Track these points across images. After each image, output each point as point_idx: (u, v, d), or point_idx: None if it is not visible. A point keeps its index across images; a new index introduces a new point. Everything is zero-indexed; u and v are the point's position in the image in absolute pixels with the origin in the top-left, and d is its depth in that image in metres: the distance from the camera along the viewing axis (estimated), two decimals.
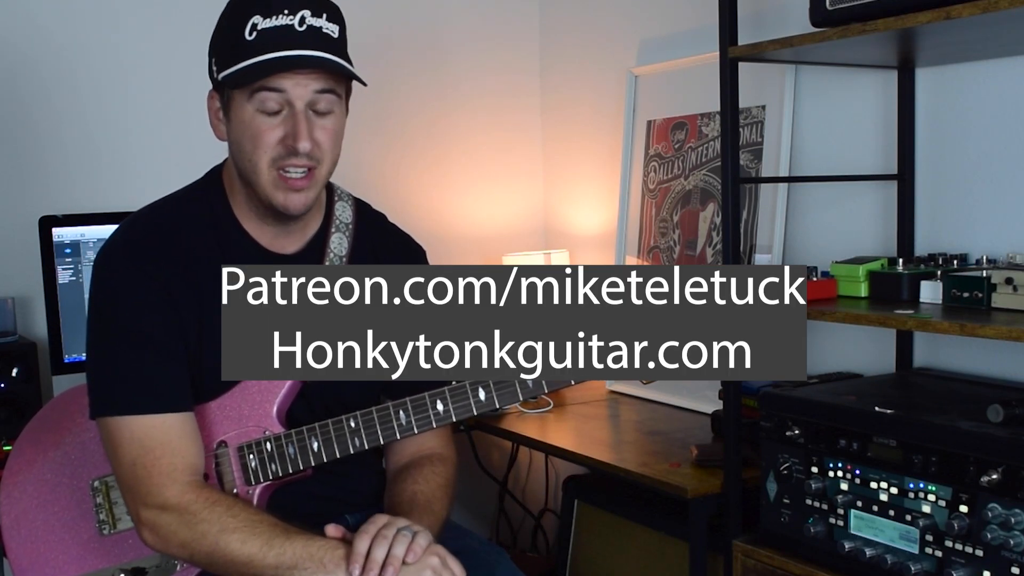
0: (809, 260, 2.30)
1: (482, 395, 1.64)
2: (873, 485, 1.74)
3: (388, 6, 3.14)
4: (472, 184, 3.29)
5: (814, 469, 1.84)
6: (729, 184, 2.02)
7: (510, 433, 2.60)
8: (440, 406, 1.64)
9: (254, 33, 1.59)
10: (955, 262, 1.99)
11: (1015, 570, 1.54)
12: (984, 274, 1.76)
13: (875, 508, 1.74)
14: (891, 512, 1.72)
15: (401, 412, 1.65)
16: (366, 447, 1.67)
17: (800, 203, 2.47)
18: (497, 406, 1.65)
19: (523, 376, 1.61)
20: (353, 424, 1.67)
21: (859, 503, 1.77)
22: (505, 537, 3.29)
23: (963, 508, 1.61)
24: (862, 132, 2.32)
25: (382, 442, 1.67)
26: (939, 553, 1.64)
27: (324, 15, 1.63)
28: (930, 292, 1.85)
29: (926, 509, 1.66)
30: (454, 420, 1.66)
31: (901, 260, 1.97)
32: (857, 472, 1.77)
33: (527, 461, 3.30)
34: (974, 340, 1.88)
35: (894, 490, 1.71)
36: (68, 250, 2.47)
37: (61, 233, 2.48)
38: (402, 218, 2.00)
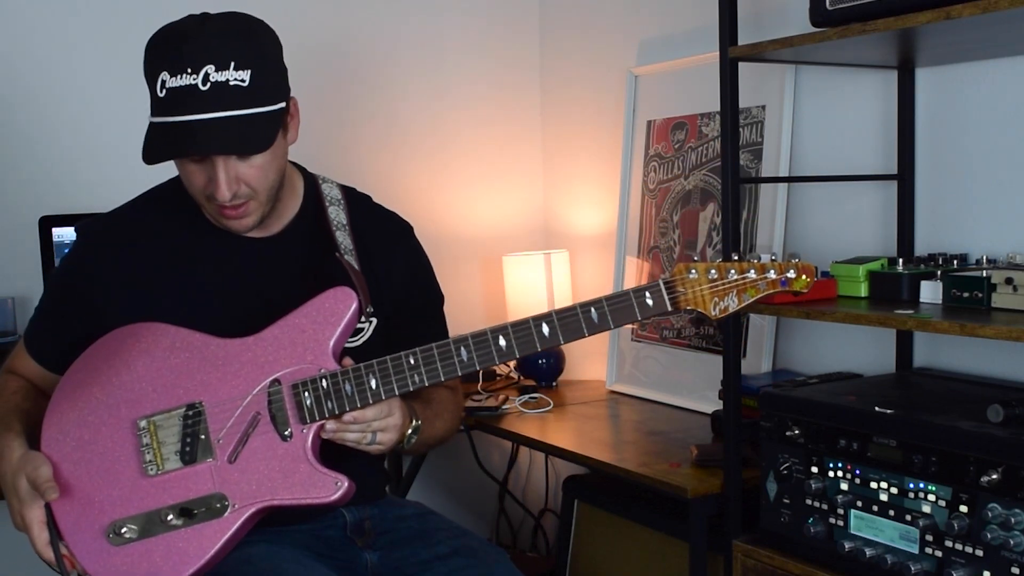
0: (809, 260, 2.29)
1: (546, 330, 1.63)
2: (873, 485, 1.74)
3: (388, 6, 3.14)
4: (472, 184, 3.29)
5: (814, 469, 1.84)
6: (729, 184, 2.02)
7: (510, 433, 2.60)
8: (503, 341, 1.63)
9: (164, 91, 1.60)
10: (955, 262, 1.99)
11: (1015, 570, 1.54)
12: (984, 274, 1.76)
13: (875, 508, 1.74)
14: (891, 512, 1.72)
15: (463, 348, 1.64)
16: (426, 383, 1.65)
17: (800, 203, 2.47)
18: (562, 341, 1.63)
19: (588, 310, 1.62)
20: (412, 361, 1.65)
21: (859, 503, 1.77)
22: (505, 537, 3.29)
23: (963, 508, 1.61)
24: (862, 132, 2.32)
25: (443, 378, 1.65)
26: (939, 553, 1.64)
27: (232, 64, 1.60)
28: (930, 292, 1.85)
29: (926, 509, 1.66)
30: (517, 356, 1.66)
31: (901, 260, 1.97)
32: (857, 472, 1.77)
33: (527, 461, 3.30)
34: (974, 340, 1.88)
35: (894, 490, 1.71)
36: (65, 254, 2.46)
37: (61, 233, 2.48)
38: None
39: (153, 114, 1.63)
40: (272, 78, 1.66)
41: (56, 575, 1.64)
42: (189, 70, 1.58)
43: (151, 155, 1.63)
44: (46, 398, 1.77)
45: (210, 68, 1.59)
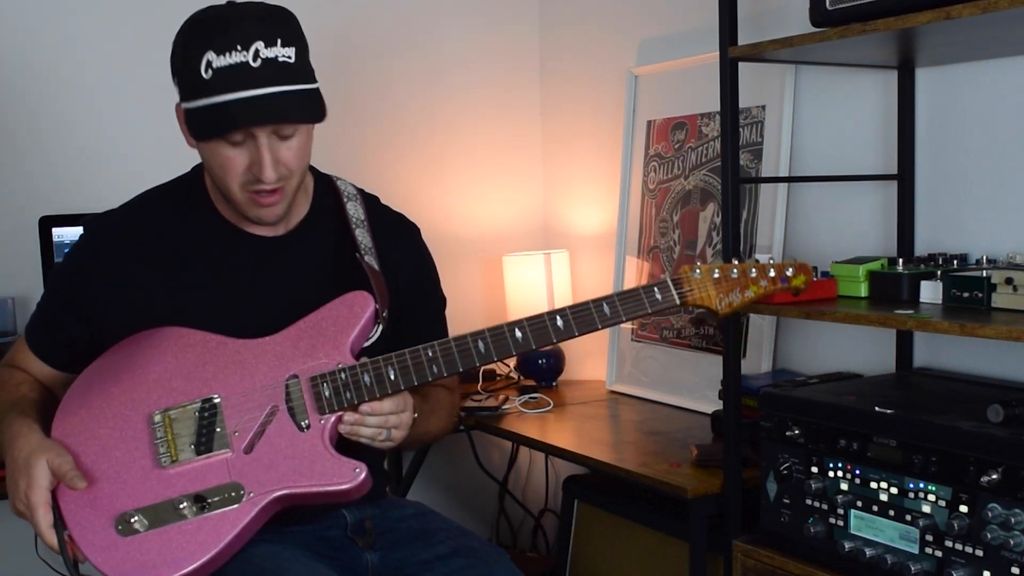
0: (809, 260, 2.28)
1: (560, 322, 1.66)
2: (873, 485, 1.74)
3: (388, 7, 3.14)
4: (472, 184, 3.29)
5: (814, 469, 1.84)
6: (729, 184, 2.02)
7: (510, 433, 2.61)
8: (519, 334, 1.67)
9: (209, 71, 1.59)
10: (955, 262, 1.99)
11: (1015, 570, 1.54)
12: (984, 274, 1.76)
13: (875, 508, 1.75)
14: (891, 512, 1.72)
15: (480, 342, 1.67)
16: (444, 375, 1.68)
17: (800, 203, 2.47)
18: (576, 333, 1.67)
19: (600, 304, 1.66)
20: (431, 353, 1.68)
21: (859, 503, 1.77)
22: (505, 537, 3.29)
23: (963, 508, 1.61)
24: (862, 132, 2.32)
25: (461, 369, 1.68)
26: (939, 553, 1.65)
27: (279, 41, 1.61)
28: (930, 292, 1.85)
29: (926, 509, 1.66)
30: (533, 348, 1.69)
31: (901, 260, 1.97)
32: (857, 472, 1.77)
33: (527, 461, 3.30)
34: (974, 340, 1.88)
35: (894, 490, 1.71)
36: (68, 250, 2.46)
37: (61, 233, 2.48)
38: None
39: (196, 97, 1.61)
40: (308, 57, 1.68)
41: (59, 561, 1.63)
42: (239, 47, 1.58)
43: (206, 131, 1.63)
44: (49, 392, 1.77)
45: (259, 44, 1.59)
